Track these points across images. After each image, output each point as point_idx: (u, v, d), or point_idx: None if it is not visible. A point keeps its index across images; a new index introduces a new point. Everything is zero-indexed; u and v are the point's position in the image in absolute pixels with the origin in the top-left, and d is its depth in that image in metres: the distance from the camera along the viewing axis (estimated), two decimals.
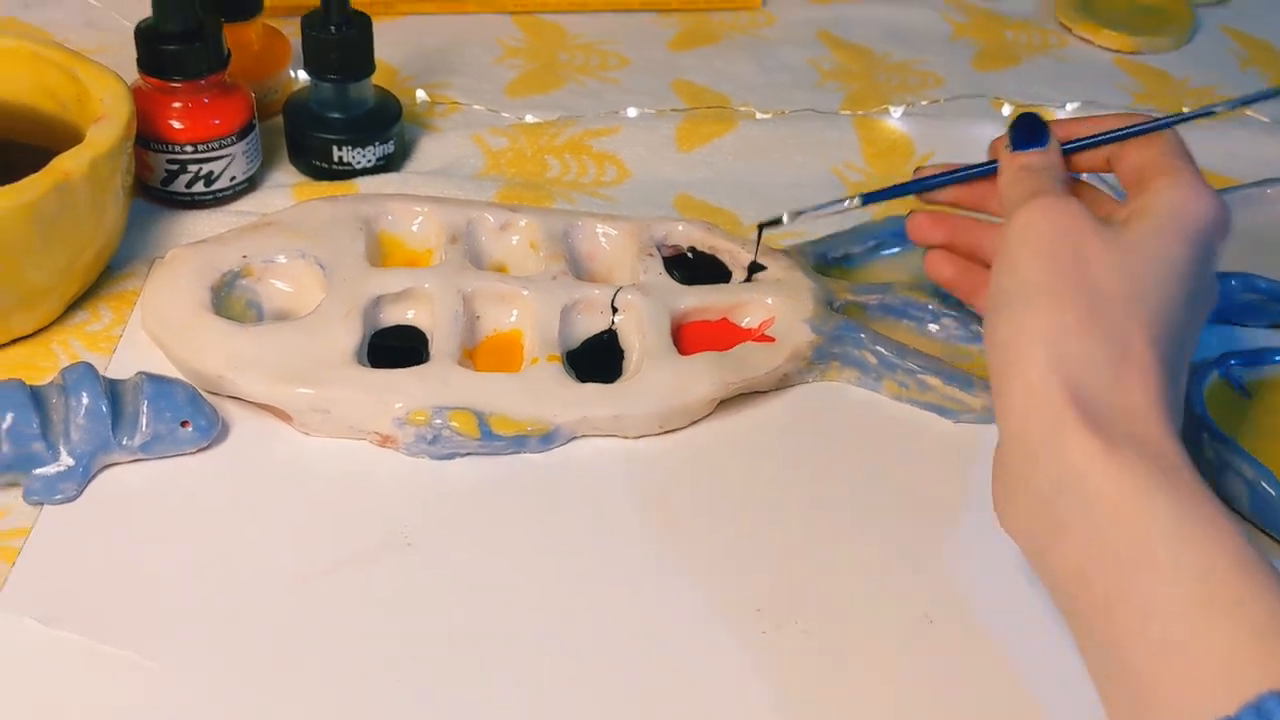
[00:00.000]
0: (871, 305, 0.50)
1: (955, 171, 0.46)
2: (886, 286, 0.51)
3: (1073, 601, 0.34)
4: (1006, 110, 0.67)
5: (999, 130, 0.64)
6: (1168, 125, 0.42)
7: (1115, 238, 0.37)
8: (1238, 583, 0.31)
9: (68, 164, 0.44)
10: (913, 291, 0.50)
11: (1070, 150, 0.43)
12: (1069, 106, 0.68)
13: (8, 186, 0.43)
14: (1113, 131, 0.42)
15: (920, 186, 0.47)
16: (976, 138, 0.65)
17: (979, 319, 0.50)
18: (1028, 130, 0.43)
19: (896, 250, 0.54)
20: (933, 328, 0.50)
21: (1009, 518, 0.37)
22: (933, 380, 0.47)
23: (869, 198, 0.47)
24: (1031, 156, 0.42)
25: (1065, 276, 0.36)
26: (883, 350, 0.48)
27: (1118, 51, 0.76)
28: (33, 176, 0.43)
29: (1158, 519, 0.32)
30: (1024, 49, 0.75)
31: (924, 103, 0.67)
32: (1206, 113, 0.44)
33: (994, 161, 0.44)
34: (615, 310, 0.49)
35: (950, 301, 0.51)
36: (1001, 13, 0.78)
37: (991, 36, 0.76)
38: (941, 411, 0.48)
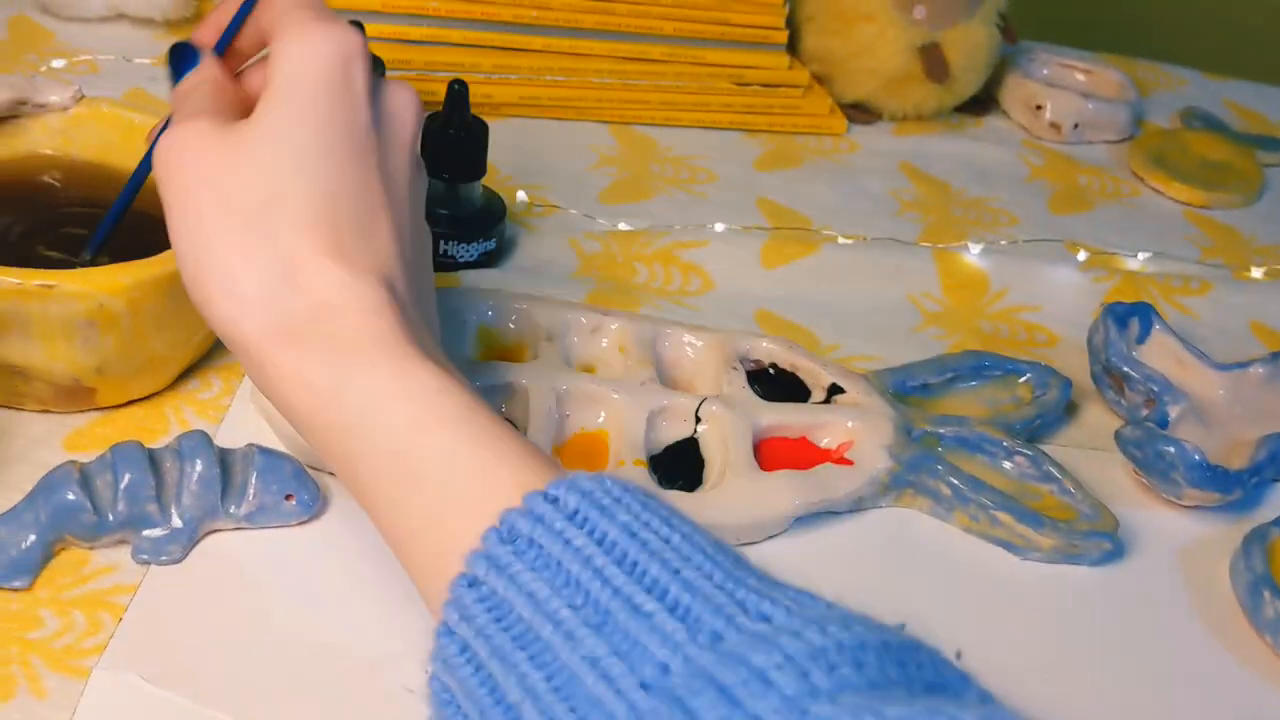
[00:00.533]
0: (947, 437, 0.52)
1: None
2: (963, 420, 0.52)
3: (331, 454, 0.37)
4: (1082, 255, 0.69)
5: (1073, 272, 0.68)
6: None
7: (236, 142, 0.36)
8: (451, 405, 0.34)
9: None
10: (988, 428, 0.52)
11: (224, 47, 0.41)
12: (1140, 256, 0.70)
13: (147, 260, 0.45)
14: (243, 6, 0.40)
15: (121, 205, 0.45)
16: (1051, 279, 0.67)
17: (1052, 459, 0.51)
18: (180, 58, 0.40)
19: (974, 384, 0.55)
20: (1006, 465, 0.51)
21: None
22: (1004, 516, 0.49)
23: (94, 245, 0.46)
24: (184, 83, 0.40)
25: (201, 213, 0.36)
26: (957, 483, 0.49)
27: (1188, 205, 0.78)
28: (167, 253, 0.46)
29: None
30: (1097, 195, 0.77)
31: (1003, 241, 0.69)
32: None
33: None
34: (699, 420, 0.51)
35: (1024, 440, 0.52)
36: (1077, 158, 0.81)
37: (1066, 180, 0.78)
38: (1009, 547, 0.49)
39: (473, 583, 0.31)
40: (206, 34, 0.41)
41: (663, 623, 0.28)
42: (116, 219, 0.46)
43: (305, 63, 0.36)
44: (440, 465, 0.34)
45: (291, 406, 0.36)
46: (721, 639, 0.28)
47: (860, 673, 0.27)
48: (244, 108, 0.39)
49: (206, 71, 0.40)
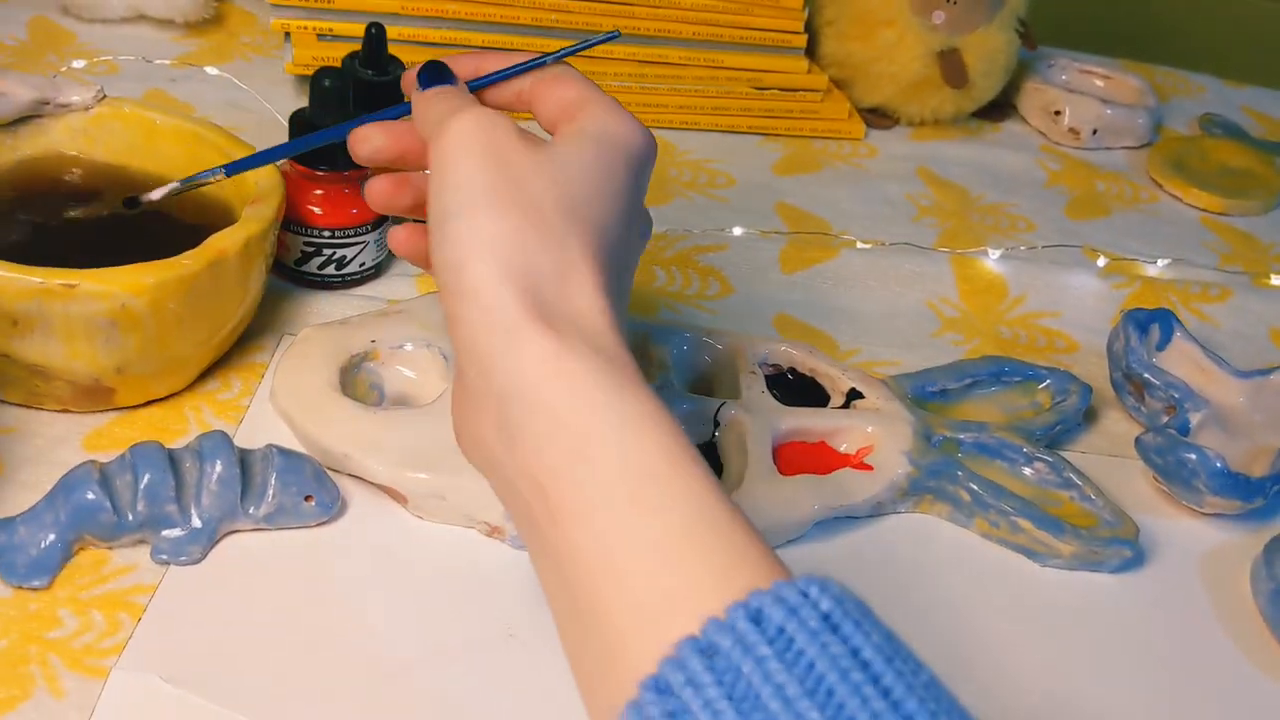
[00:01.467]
0: (966, 442, 0.52)
1: (359, 120, 0.43)
2: (983, 426, 0.52)
3: (529, 518, 0.33)
4: (1101, 262, 0.69)
5: (1092, 279, 0.68)
6: (568, 54, 0.42)
7: (544, 150, 0.37)
8: (672, 481, 0.31)
9: (223, 242, 0.47)
10: (1008, 433, 0.52)
11: (478, 87, 0.42)
12: (1160, 263, 0.70)
13: (168, 260, 0.45)
14: (517, 66, 0.42)
15: (317, 141, 0.46)
16: (1069, 284, 0.67)
17: (1072, 465, 0.51)
18: (434, 73, 0.41)
19: (993, 389, 0.55)
20: (1026, 471, 0.51)
21: (469, 444, 0.36)
22: (1024, 523, 0.49)
23: (233, 167, 0.46)
24: (437, 92, 0.40)
25: (499, 188, 0.35)
26: (977, 489, 0.49)
27: (1206, 211, 0.78)
28: (191, 252, 0.46)
29: (600, 413, 0.32)
30: (1115, 201, 0.77)
31: (1021, 247, 0.69)
32: (614, 35, 0.44)
33: (406, 104, 0.43)
34: (717, 424, 0.51)
35: (1044, 446, 0.52)
36: (1095, 164, 0.81)
37: (1084, 186, 0.78)
38: (1030, 554, 0.49)
39: (662, 689, 0.28)
40: (464, 67, 0.42)
41: None
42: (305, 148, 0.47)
43: (618, 139, 0.38)
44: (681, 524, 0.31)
45: (537, 395, 0.33)
46: None
47: None
48: None
49: (462, 93, 0.41)
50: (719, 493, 0.32)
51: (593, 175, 0.37)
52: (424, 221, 0.39)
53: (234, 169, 0.47)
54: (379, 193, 0.43)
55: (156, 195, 0.47)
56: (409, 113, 0.42)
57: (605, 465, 0.32)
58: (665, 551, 0.30)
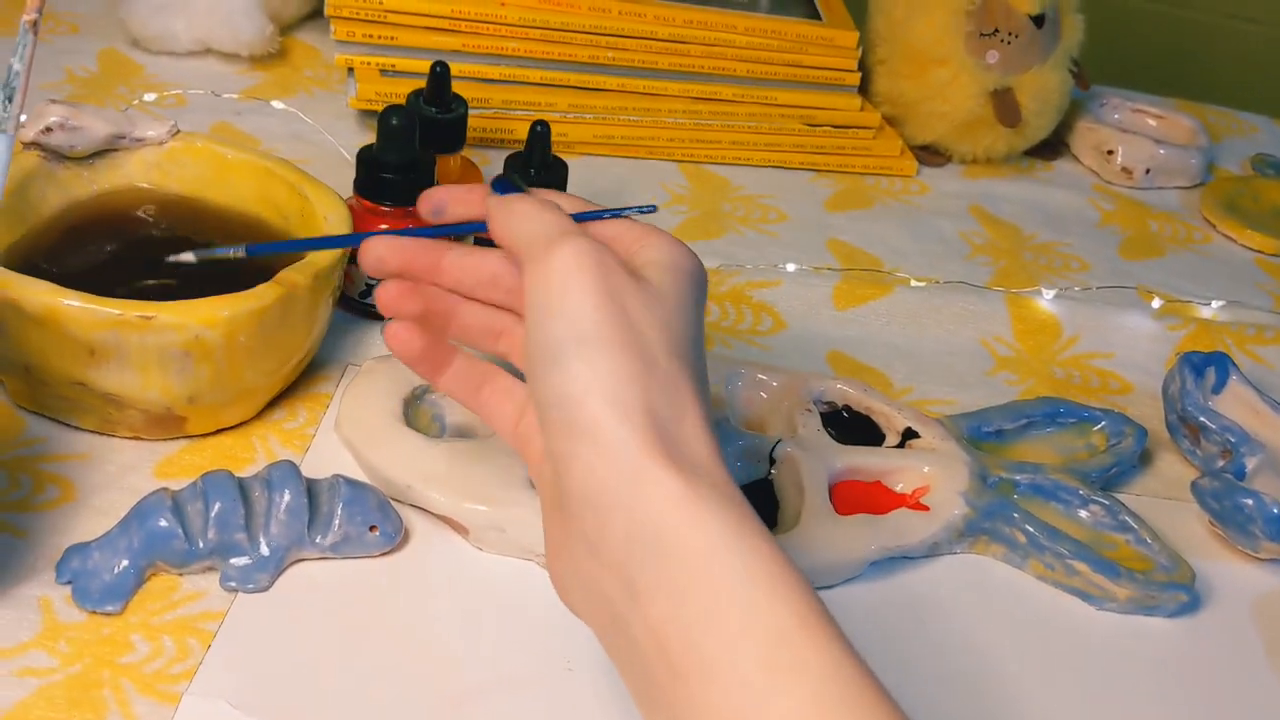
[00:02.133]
0: (1022, 484, 0.52)
1: (405, 231, 0.42)
2: (1038, 467, 0.52)
3: (645, 671, 0.33)
4: (1157, 303, 0.69)
5: (1147, 320, 0.68)
6: (635, 212, 0.41)
7: (646, 286, 0.36)
8: (804, 644, 0.31)
9: (294, 276, 0.48)
10: (1064, 475, 0.52)
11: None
12: (1214, 304, 0.70)
13: (241, 294, 0.46)
14: (597, 211, 0.40)
15: (332, 244, 0.46)
16: (1123, 325, 0.67)
17: (1128, 509, 0.51)
18: (511, 186, 0.41)
19: (1048, 430, 0.55)
20: (1082, 513, 0.51)
21: (575, 593, 0.36)
22: (1080, 566, 0.49)
23: (254, 249, 0.43)
24: (537, 201, 0.39)
25: (614, 325, 0.35)
26: (1033, 531, 0.49)
27: (1259, 252, 0.77)
28: (263, 286, 0.47)
29: (733, 567, 0.32)
30: (1168, 241, 0.77)
31: (1076, 288, 0.69)
32: (650, 209, 0.44)
33: (456, 226, 0.42)
34: (773, 461, 0.51)
35: (1099, 488, 0.52)
36: (1148, 204, 0.81)
37: (1137, 226, 0.78)
38: (1085, 597, 0.49)
39: None
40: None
41: None
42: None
43: (685, 267, 0.38)
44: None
45: (670, 529, 0.33)
46: None
47: None
48: None
49: (564, 212, 0.39)
50: (852, 656, 0.32)
51: (683, 308, 0.37)
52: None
53: (255, 251, 0.44)
54: (387, 298, 0.42)
55: (180, 258, 0.43)
56: (426, 234, 0.42)
57: (738, 623, 0.31)
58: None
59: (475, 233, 0.42)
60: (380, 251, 0.41)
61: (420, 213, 0.43)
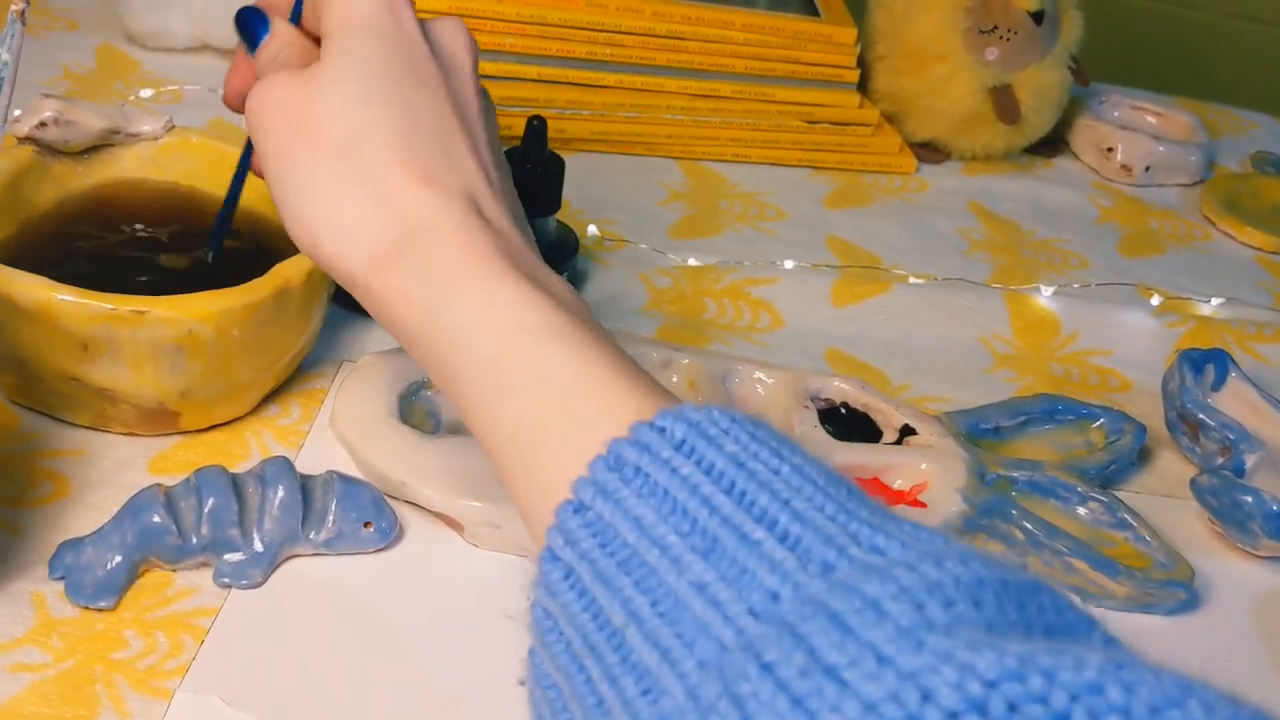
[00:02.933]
0: (1020, 481, 0.51)
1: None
2: (1037, 464, 0.52)
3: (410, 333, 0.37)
4: (1155, 300, 0.69)
5: (1146, 317, 0.67)
6: None
7: (313, 85, 0.38)
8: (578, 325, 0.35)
9: (289, 271, 0.48)
10: (1062, 472, 0.52)
11: (299, 16, 0.43)
12: (1214, 301, 0.70)
13: (235, 289, 0.46)
14: None
15: (233, 198, 0.48)
16: (1123, 323, 0.67)
17: (1126, 506, 0.51)
18: (252, 24, 0.43)
19: (1046, 427, 0.55)
20: (1080, 510, 0.51)
21: (333, 234, 0.38)
22: (1079, 563, 0.48)
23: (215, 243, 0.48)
24: (265, 50, 0.42)
25: (296, 158, 0.38)
26: (1031, 528, 0.49)
27: (1259, 249, 0.77)
28: (257, 280, 0.47)
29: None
30: (1168, 239, 0.77)
31: (1075, 285, 0.69)
32: None
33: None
34: None
35: (1097, 486, 0.52)
36: (1148, 201, 0.80)
37: (1136, 223, 0.78)
38: (1083, 595, 0.49)
39: (578, 509, 0.31)
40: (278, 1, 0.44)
41: (772, 551, 0.28)
42: (229, 215, 0.48)
43: (355, 7, 0.39)
44: (537, 376, 0.34)
45: (400, 330, 0.37)
46: (833, 569, 0.27)
47: (978, 610, 0.25)
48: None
49: (285, 35, 0.42)
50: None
51: (355, 81, 0.38)
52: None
53: (216, 245, 0.48)
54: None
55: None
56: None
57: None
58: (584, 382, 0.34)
59: None
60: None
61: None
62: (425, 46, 0.40)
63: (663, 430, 0.31)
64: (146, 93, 0.70)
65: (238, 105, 0.43)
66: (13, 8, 0.38)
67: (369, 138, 0.38)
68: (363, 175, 0.37)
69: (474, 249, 0.36)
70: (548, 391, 0.34)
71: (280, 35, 0.42)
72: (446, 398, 0.37)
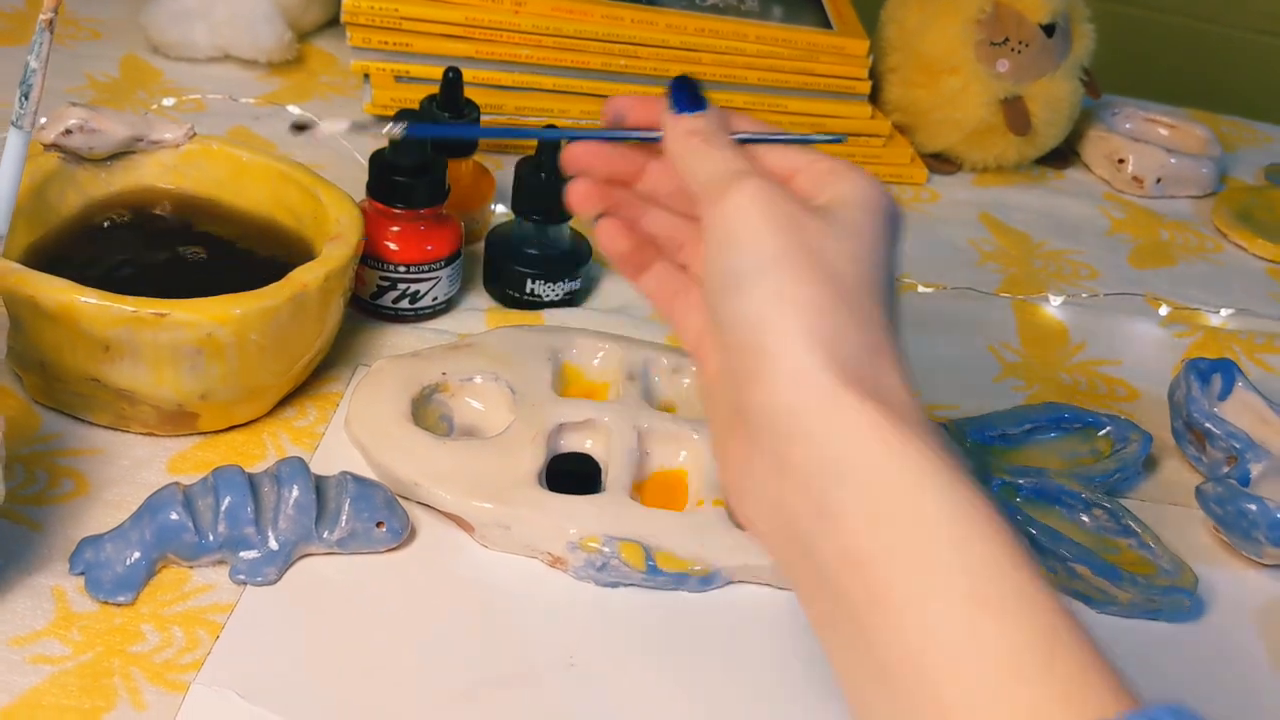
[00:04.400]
0: (1025, 488, 0.52)
1: (598, 132, 0.43)
2: (1042, 471, 0.52)
3: (838, 598, 0.32)
4: (1164, 310, 0.69)
5: (1154, 327, 0.68)
6: (821, 141, 0.41)
7: (832, 223, 0.35)
8: (1010, 581, 0.30)
9: (305, 276, 0.49)
10: (1067, 480, 0.52)
11: (744, 142, 0.40)
12: (1223, 312, 0.70)
13: (253, 292, 0.47)
14: (776, 134, 0.40)
15: (536, 134, 0.47)
16: (1131, 333, 0.67)
17: (1131, 513, 0.52)
18: (690, 94, 0.40)
19: (1053, 435, 0.56)
20: (1084, 517, 0.52)
21: (755, 508, 0.35)
22: (1082, 569, 0.49)
23: (415, 129, 0.46)
24: (698, 121, 0.39)
25: (799, 254, 0.34)
26: (1035, 534, 0.50)
27: (1271, 261, 0.77)
28: (273, 285, 0.48)
29: (938, 498, 0.31)
30: (1179, 250, 0.77)
31: (1083, 294, 0.69)
32: (839, 139, 0.43)
33: (642, 131, 0.42)
34: None
35: (1103, 493, 0.52)
36: (1159, 213, 0.81)
37: (1147, 235, 0.78)
38: (1087, 601, 0.49)
39: None
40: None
41: None
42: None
43: (879, 205, 0.37)
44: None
45: (867, 459, 0.32)
46: None
47: None
48: None
49: (719, 122, 0.39)
50: (1062, 602, 0.30)
51: (875, 246, 0.36)
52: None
53: (415, 131, 0.47)
54: (576, 194, 0.44)
55: (325, 128, 0.42)
56: (602, 137, 0.43)
57: (945, 553, 0.30)
58: (1007, 659, 0.29)
59: (651, 141, 0.42)
60: (583, 155, 0.43)
61: (604, 117, 0.43)
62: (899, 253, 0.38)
63: None
64: (169, 101, 0.72)
65: None
66: (41, 17, 0.39)
67: (876, 298, 0.35)
68: (865, 318, 0.34)
69: (954, 453, 0.33)
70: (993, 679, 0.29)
71: (717, 117, 0.39)
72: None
